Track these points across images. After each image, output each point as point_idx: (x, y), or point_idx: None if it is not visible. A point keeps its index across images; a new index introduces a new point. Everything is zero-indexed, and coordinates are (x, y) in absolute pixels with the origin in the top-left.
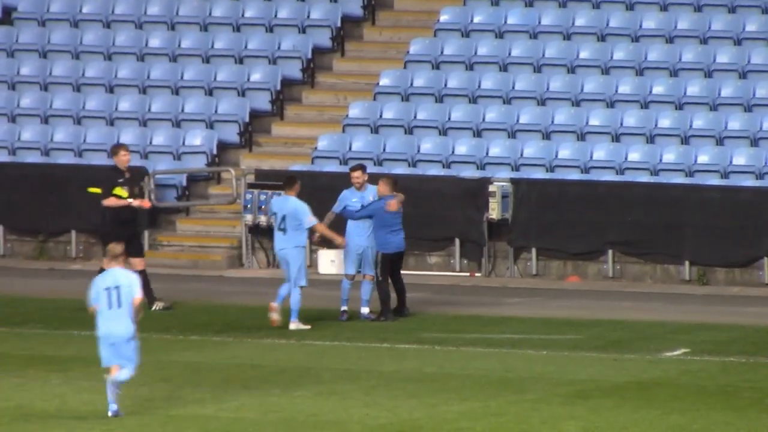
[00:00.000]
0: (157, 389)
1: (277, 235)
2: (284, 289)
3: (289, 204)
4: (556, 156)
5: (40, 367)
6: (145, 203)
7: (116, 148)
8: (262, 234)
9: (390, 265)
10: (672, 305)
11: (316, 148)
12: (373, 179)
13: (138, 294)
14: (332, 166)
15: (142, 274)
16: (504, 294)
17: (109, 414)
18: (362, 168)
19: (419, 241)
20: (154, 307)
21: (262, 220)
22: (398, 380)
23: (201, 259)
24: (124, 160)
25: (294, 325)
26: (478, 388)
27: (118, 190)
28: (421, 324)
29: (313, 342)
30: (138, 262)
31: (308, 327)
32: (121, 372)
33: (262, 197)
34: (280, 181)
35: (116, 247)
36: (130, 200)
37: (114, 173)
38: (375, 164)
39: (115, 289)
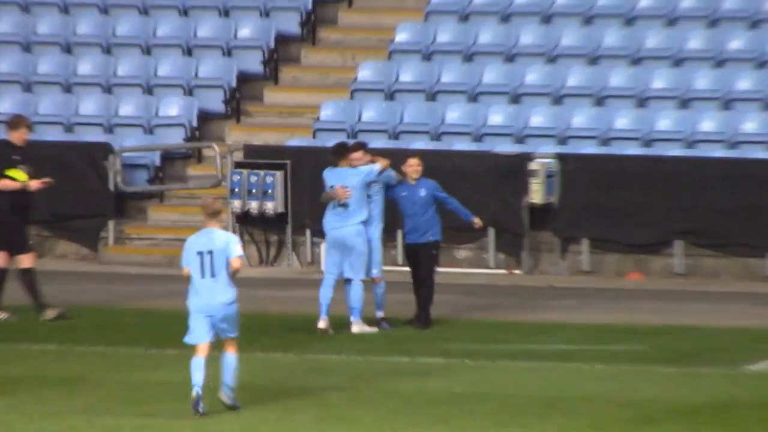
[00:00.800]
0: (125, 415)
1: (335, 212)
2: (327, 292)
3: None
4: (612, 126)
5: None
6: (43, 183)
7: (17, 122)
8: (252, 224)
9: None
10: (755, 307)
11: (318, 118)
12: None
13: (235, 253)
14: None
15: (30, 273)
16: (549, 295)
17: (229, 403)
18: (363, 147)
19: (445, 232)
20: (44, 317)
21: (253, 206)
22: (421, 402)
23: (178, 255)
24: (25, 137)
25: (357, 326)
26: (519, 412)
27: (14, 172)
28: (448, 333)
29: (316, 356)
30: (27, 259)
31: (374, 329)
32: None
33: (253, 179)
34: (275, 159)
35: (214, 203)
36: (29, 182)
37: (8, 150)
38: (390, 137)
39: (209, 254)
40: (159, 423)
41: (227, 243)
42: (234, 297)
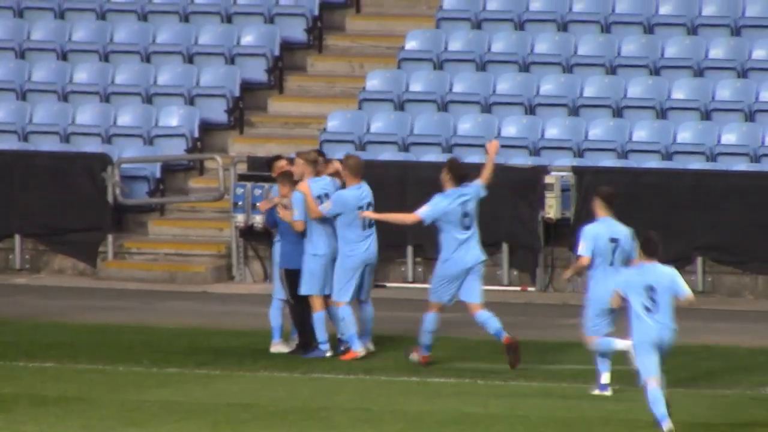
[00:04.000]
0: None
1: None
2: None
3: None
4: (630, 138)
5: None
6: None
7: None
8: (256, 238)
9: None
10: None
11: (324, 129)
12: (397, 169)
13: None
14: (346, 152)
15: None
16: (565, 313)
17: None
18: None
19: None
20: None
21: (257, 221)
22: (431, 424)
23: (180, 270)
24: None
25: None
26: None
27: None
28: (459, 352)
29: (323, 375)
30: None
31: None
32: None
33: (257, 192)
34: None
35: None
36: None
37: None
38: (400, 149)
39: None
40: None
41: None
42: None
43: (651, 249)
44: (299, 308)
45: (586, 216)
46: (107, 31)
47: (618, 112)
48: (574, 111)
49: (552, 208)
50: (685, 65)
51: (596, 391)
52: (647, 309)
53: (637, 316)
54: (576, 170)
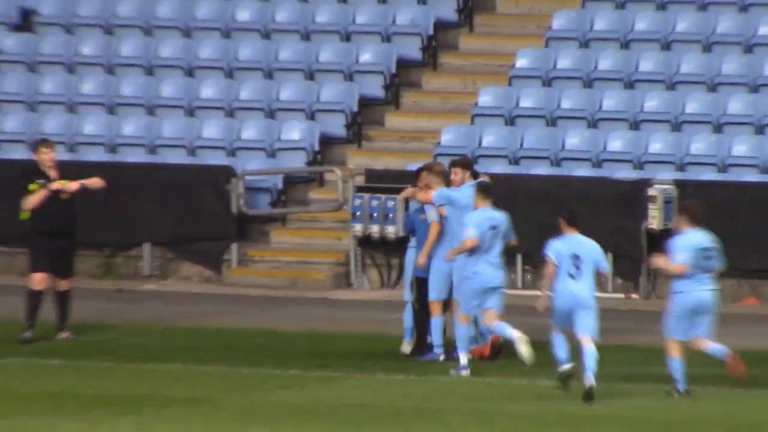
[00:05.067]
0: None
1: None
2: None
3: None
4: (730, 152)
5: (107, 408)
6: (70, 186)
7: (36, 145)
8: (373, 247)
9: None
10: None
11: (439, 143)
12: (508, 181)
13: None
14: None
15: (66, 295)
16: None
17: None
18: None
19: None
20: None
21: (374, 230)
22: (540, 424)
23: (301, 277)
24: (45, 158)
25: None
26: None
27: (32, 186)
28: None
29: (436, 377)
30: (64, 283)
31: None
32: None
33: (374, 203)
34: (396, 183)
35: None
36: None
37: (34, 173)
38: (510, 163)
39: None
40: None
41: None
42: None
43: (573, 221)
44: (423, 313)
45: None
46: (232, 48)
47: (718, 128)
48: (677, 127)
49: (655, 220)
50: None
51: (454, 372)
52: (571, 275)
53: (562, 280)
54: (678, 183)
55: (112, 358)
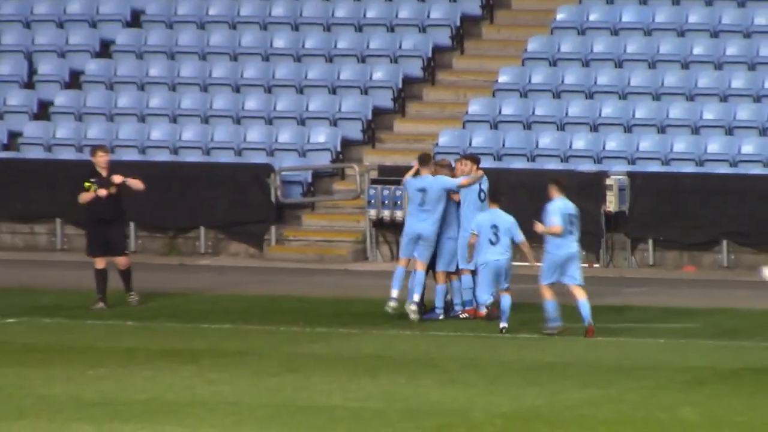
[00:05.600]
0: (286, 380)
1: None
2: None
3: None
4: (671, 149)
5: (171, 359)
6: (102, 192)
7: (94, 150)
8: (385, 228)
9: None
10: None
11: (437, 144)
12: (492, 174)
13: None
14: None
15: (126, 271)
16: (622, 284)
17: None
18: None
19: (538, 234)
20: (130, 299)
21: (386, 214)
22: (520, 369)
23: (327, 253)
24: (100, 161)
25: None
26: (598, 376)
27: (87, 184)
28: (541, 315)
29: (437, 333)
30: (121, 261)
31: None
32: None
33: (385, 192)
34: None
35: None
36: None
37: (91, 173)
38: (494, 159)
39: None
40: (313, 383)
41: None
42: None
43: (496, 198)
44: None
45: (637, 209)
46: (270, 69)
47: (662, 130)
48: (628, 129)
49: (612, 204)
50: (713, 93)
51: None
52: (491, 242)
53: (484, 246)
54: (630, 174)
55: (175, 320)
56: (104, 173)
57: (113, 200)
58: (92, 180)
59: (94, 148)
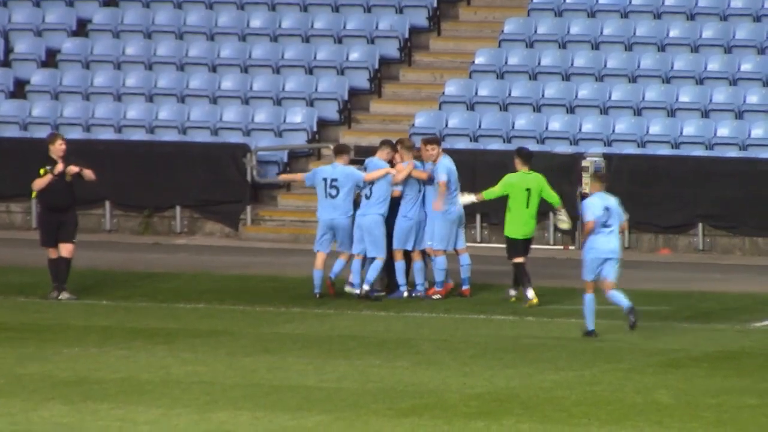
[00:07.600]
0: (260, 360)
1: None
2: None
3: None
4: (647, 132)
5: (146, 339)
6: (71, 169)
7: (53, 137)
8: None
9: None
10: (760, 277)
11: (413, 125)
12: (469, 155)
13: None
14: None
15: (66, 260)
16: None
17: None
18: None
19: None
20: (60, 296)
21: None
22: (495, 350)
23: (301, 233)
24: (58, 149)
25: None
26: (573, 358)
27: (41, 171)
28: (517, 296)
29: (412, 314)
30: (66, 248)
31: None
32: None
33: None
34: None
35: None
36: (50, 171)
37: (46, 161)
38: (471, 140)
39: None
40: (288, 364)
41: None
42: None
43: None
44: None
45: (613, 191)
46: (246, 49)
47: (638, 112)
48: (605, 111)
49: (587, 185)
50: (690, 75)
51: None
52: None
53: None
54: (606, 156)
55: (150, 300)
56: (60, 162)
57: (66, 188)
58: (48, 168)
59: (53, 136)
